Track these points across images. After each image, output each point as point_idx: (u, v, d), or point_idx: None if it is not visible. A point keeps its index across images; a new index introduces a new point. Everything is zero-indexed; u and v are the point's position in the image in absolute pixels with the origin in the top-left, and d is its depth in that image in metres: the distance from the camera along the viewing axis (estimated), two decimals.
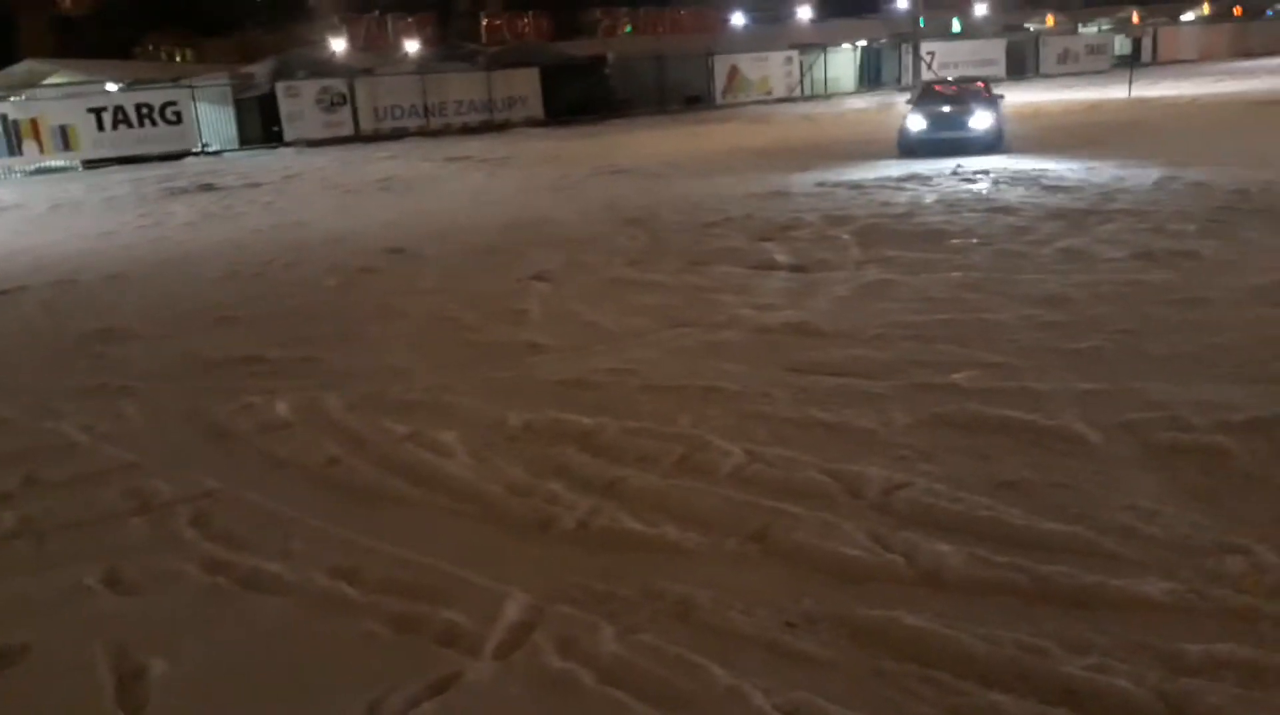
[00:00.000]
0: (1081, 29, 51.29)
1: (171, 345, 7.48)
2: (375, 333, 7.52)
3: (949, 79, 22.20)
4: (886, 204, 12.02)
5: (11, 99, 26.54)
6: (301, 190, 18.35)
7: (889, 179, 14.16)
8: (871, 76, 43.15)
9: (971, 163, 15.05)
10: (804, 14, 52.07)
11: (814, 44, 41.25)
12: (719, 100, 37.15)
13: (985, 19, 50.41)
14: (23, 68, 31.05)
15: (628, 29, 43.65)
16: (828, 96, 39.01)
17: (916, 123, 17.08)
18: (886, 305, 7.26)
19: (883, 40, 43.58)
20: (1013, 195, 12.01)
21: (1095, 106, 26.57)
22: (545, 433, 5.11)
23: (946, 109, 17.30)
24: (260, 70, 31.47)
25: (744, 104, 36.87)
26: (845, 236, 10.08)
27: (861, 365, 5.87)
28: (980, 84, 19.13)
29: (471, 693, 3.05)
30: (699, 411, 5.29)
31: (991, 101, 17.63)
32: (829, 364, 5.94)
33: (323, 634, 3.44)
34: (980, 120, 16.76)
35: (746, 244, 10.09)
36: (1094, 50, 48.14)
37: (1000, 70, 44.42)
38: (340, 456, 4.99)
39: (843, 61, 42.32)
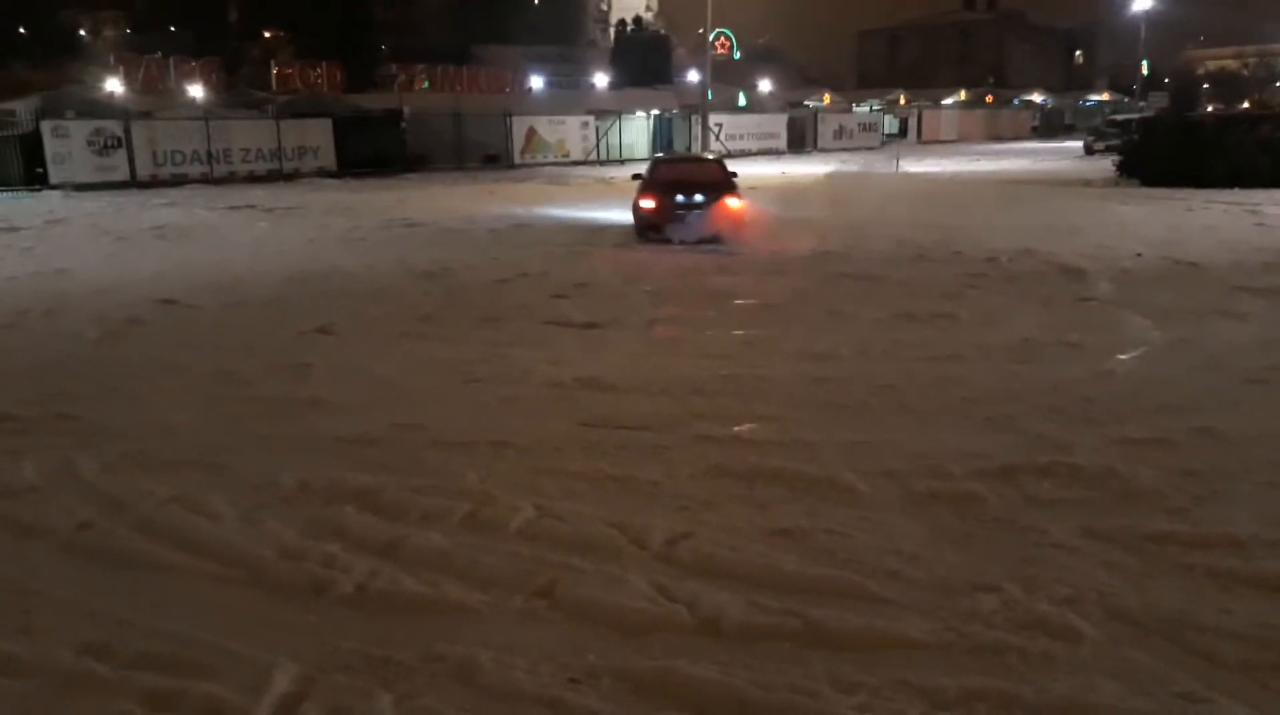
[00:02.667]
0: (855, 108, 55.26)
1: None
2: (141, 388, 7.02)
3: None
4: (675, 265, 12.41)
5: None
6: (67, 236, 17.03)
7: (679, 242, 14.62)
8: (664, 144, 44.73)
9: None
10: (600, 81, 53.52)
11: (610, 111, 42.42)
12: (517, 160, 37.50)
13: (769, 95, 53.40)
14: None
15: (425, 85, 43.43)
16: (622, 161, 40.07)
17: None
18: (673, 361, 7.46)
19: (674, 110, 45.36)
20: (779, 259, 12.68)
21: (866, 180, 28.49)
22: (323, 492, 4.90)
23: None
24: (23, 107, 29.21)
25: (541, 164, 37.37)
26: (637, 295, 10.32)
27: (648, 419, 5.98)
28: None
29: None
30: (488, 467, 5.22)
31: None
32: (618, 418, 6.02)
33: None
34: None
35: (542, 300, 10.15)
36: (866, 128, 52.00)
37: (782, 143, 47.13)
38: (93, 521, 4.59)
39: (637, 128, 43.70)
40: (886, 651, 3.41)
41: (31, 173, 27.26)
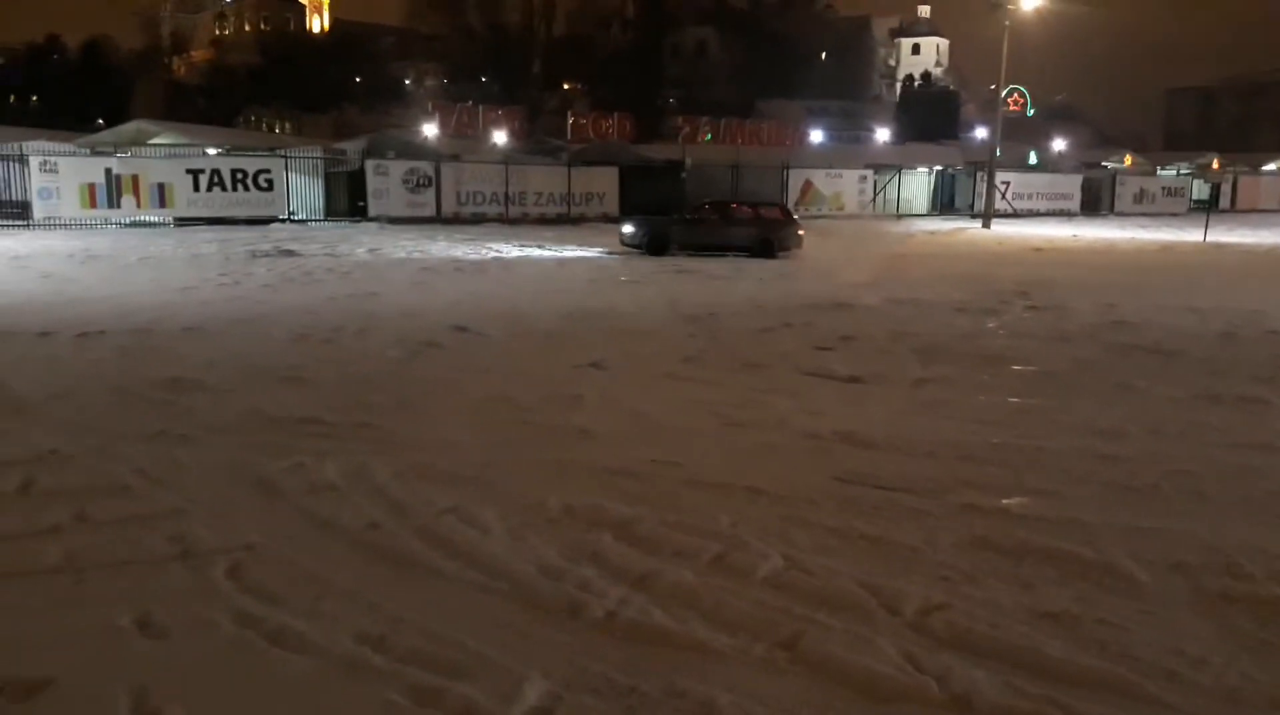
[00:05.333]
0: (1160, 171, 51.24)
1: (235, 399, 7.65)
2: (432, 406, 7.63)
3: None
4: (948, 324, 11.99)
5: (117, 155, 27.95)
6: (379, 264, 18.87)
7: (956, 301, 14.15)
8: (944, 201, 43.50)
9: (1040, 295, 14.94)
10: (882, 136, 52.97)
11: (890, 165, 41.83)
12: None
13: (1062, 154, 50.67)
14: (131, 127, 32.75)
15: (708, 137, 44.70)
16: (899, 217, 39.37)
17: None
18: (940, 423, 7.18)
19: (958, 167, 44.03)
20: (1073, 325, 11.93)
21: (1168, 248, 26.35)
22: (584, 518, 5.10)
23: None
24: (352, 147, 32.78)
25: (815, 217, 37.29)
26: (905, 352, 10.05)
27: (910, 481, 5.78)
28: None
29: None
30: (740, 511, 5.25)
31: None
32: (877, 476, 5.86)
33: (343, 699, 3.43)
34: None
35: (804, 350, 10.11)
36: (1171, 193, 48.03)
37: (1075, 205, 44.50)
38: (381, 522, 5.03)
39: (917, 184, 42.79)
40: None
41: (354, 206, 30.46)
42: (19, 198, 27.04)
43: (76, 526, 4.90)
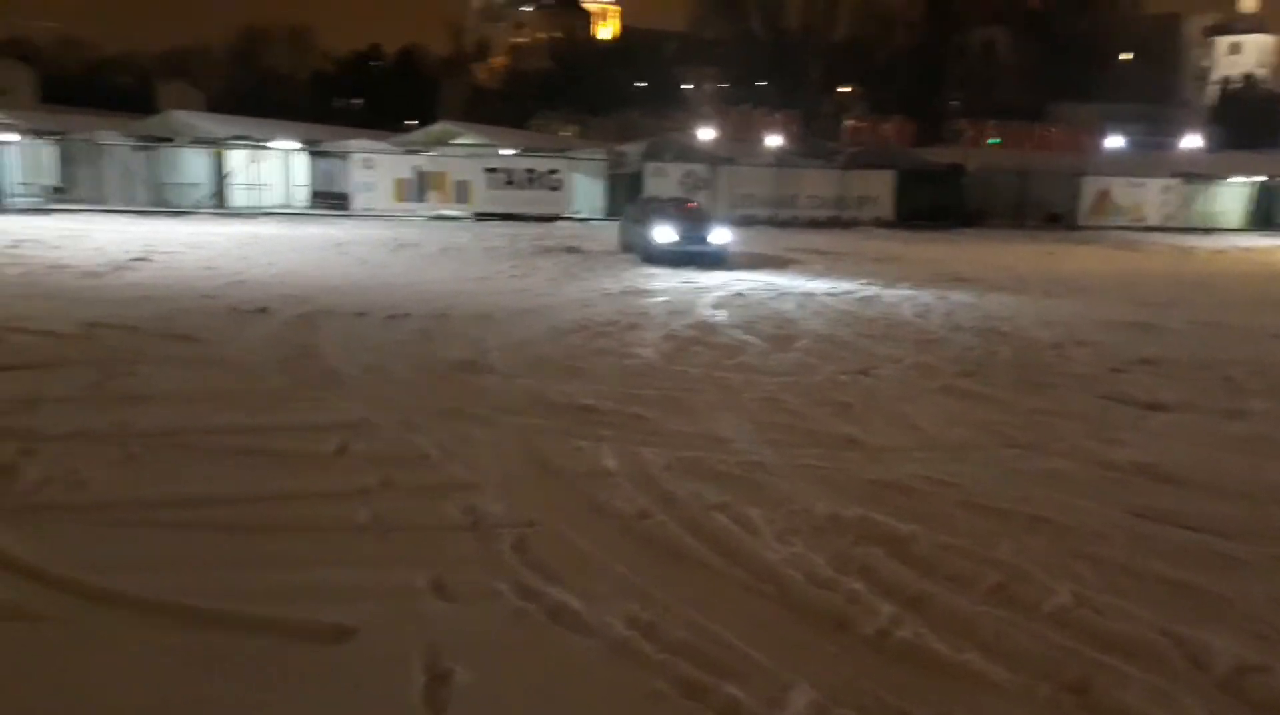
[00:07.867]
0: None
1: (522, 384, 8.11)
2: (699, 400, 7.74)
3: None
4: (1267, 352, 10.74)
5: (425, 154, 30.50)
6: (652, 262, 19.36)
7: (1276, 327, 12.68)
8: (1264, 215, 39.14)
9: None
10: (1191, 143, 48.37)
11: (1200, 174, 38.15)
12: (1082, 221, 35.26)
13: None
14: (439, 128, 35.57)
15: (992, 141, 42.63)
16: (1208, 231, 35.80)
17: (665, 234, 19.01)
18: (1259, 462, 6.44)
19: None
20: None
21: None
22: (853, 529, 4.99)
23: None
24: (633, 150, 33.95)
25: (1109, 228, 34.73)
26: (1215, 379, 9.10)
27: (1221, 523, 5.22)
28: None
29: None
30: (1022, 540, 4.94)
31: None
32: (1181, 515, 5.34)
33: (614, 683, 3.52)
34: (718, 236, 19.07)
35: (1097, 371, 9.40)
36: None
37: None
38: (652, 511, 5.15)
39: (1231, 195, 38.82)
40: None
41: None
42: (340, 190, 30.22)
43: (382, 490, 5.36)
